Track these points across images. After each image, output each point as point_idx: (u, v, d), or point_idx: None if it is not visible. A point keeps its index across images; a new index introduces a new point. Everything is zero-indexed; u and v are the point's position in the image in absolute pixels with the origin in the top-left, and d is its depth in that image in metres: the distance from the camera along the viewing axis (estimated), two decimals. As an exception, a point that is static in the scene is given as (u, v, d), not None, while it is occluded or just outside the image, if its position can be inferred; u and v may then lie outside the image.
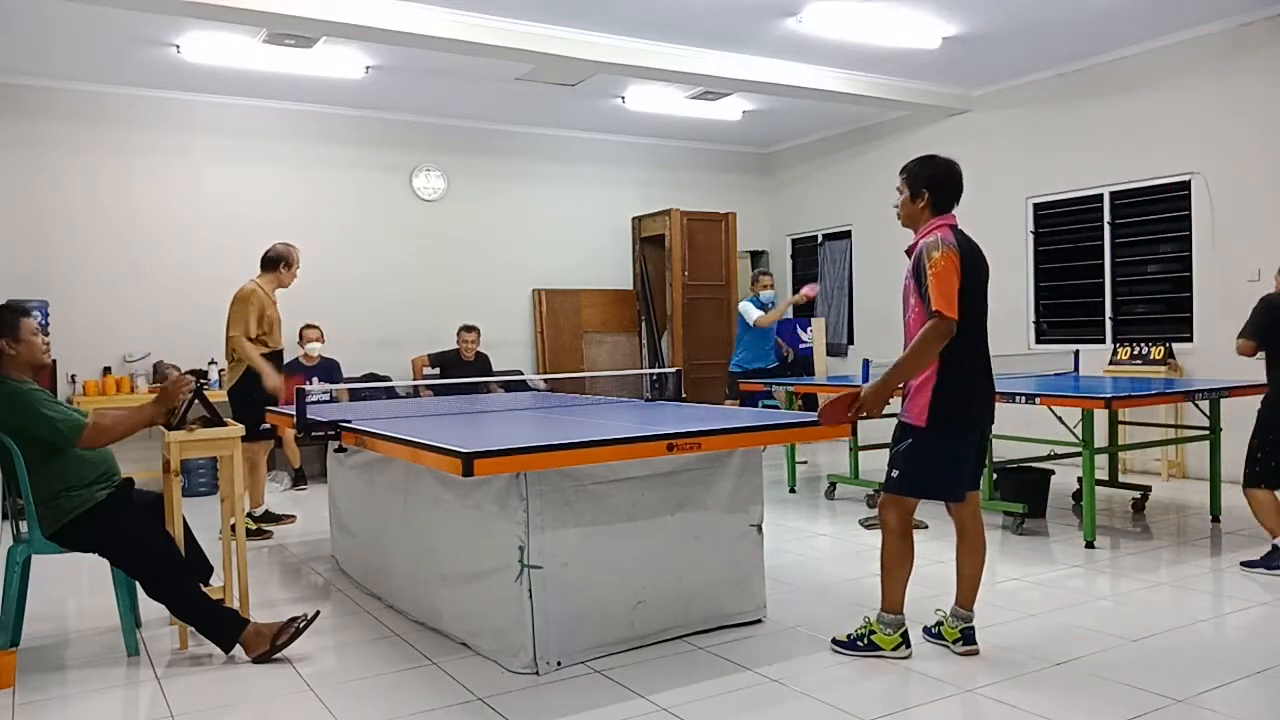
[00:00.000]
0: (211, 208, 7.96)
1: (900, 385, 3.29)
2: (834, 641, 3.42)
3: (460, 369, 7.96)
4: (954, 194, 3.31)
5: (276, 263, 5.83)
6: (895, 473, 3.29)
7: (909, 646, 3.34)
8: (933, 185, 3.29)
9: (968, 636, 3.37)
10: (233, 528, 3.81)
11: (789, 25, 6.53)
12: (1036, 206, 8.09)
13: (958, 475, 3.31)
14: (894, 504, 3.32)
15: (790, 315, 10.51)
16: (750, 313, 7.72)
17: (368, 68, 7.28)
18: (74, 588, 4.70)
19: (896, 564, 3.33)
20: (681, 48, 7.02)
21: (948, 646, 3.40)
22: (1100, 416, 5.36)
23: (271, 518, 5.98)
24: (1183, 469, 7.00)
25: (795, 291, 10.64)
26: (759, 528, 3.81)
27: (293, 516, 6.16)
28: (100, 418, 3.58)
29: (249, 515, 5.81)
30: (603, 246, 9.84)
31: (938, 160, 3.35)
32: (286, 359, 6.05)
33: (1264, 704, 2.93)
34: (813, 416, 3.59)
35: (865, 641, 3.34)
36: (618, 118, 9.11)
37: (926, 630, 3.53)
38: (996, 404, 5.15)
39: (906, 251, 3.34)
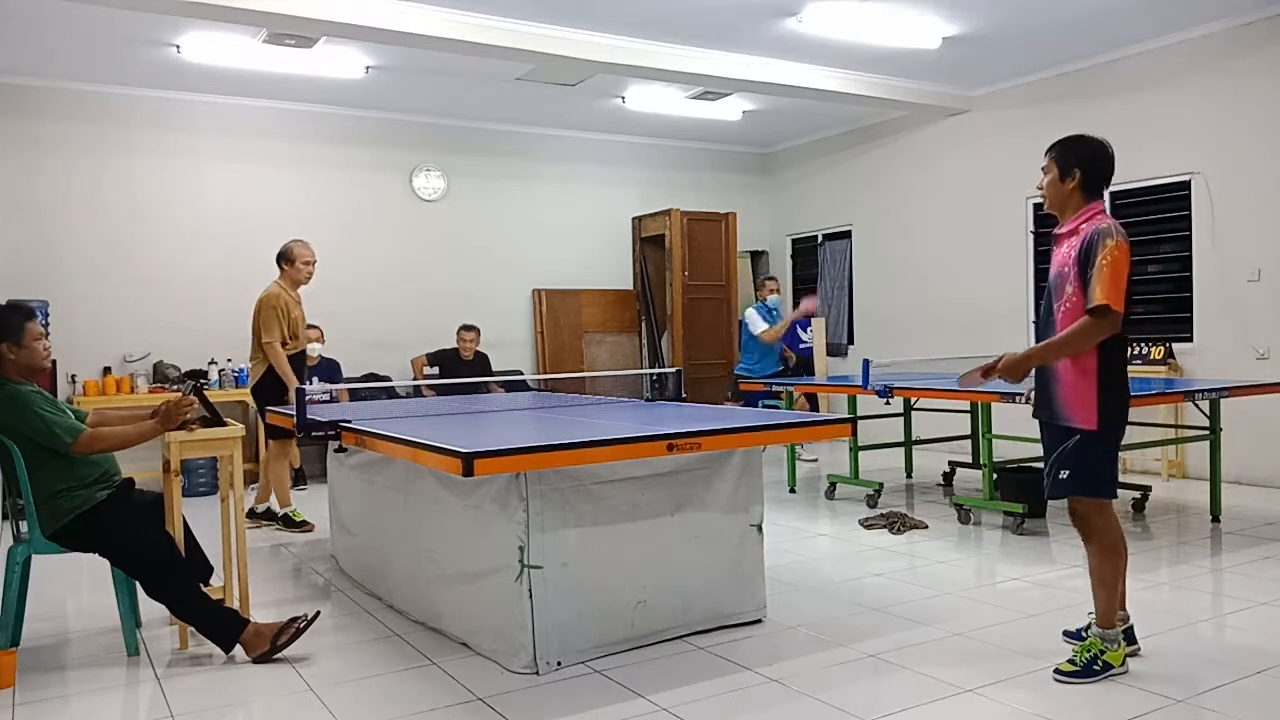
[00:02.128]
0: (212, 208, 7.96)
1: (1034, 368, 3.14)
2: (1059, 672, 3.11)
3: (459, 368, 7.96)
4: (1105, 176, 3.15)
5: (280, 261, 5.93)
6: (1065, 473, 3.11)
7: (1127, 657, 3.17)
8: (1085, 165, 3.11)
9: (1129, 636, 3.27)
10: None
11: (789, 25, 6.53)
12: (1036, 206, 8.08)
13: (1117, 472, 3.21)
14: (1095, 509, 3.14)
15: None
16: (756, 324, 7.80)
17: (368, 68, 7.28)
18: (74, 588, 4.70)
19: (1116, 576, 3.14)
20: (681, 48, 7.02)
21: None
22: (1100, 416, 5.35)
23: (291, 522, 5.92)
24: (1183, 469, 7.01)
25: (795, 293, 10.68)
26: (759, 528, 3.81)
27: (311, 525, 5.90)
28: (97, 430, 3.57)
29: (276, 513, 5.91)
30: (603, 246, 9.84)
31: (1090, 140, 3.17)
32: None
33: (1264, 704, 2.93)
34: (813, 416, 3.59)
35: (1100, 664, 3.10)
36: (618, 118, 9.11)
37: (1075, 634, 3.40)
38: (997, 404, 5.22)
39: (1055, 238, 3.18)
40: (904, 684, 3.14)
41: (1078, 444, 3.10)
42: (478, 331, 8.15)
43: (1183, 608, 3.98)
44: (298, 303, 5.93)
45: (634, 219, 9.96)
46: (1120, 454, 7.01)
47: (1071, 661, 3.14)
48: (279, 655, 3.48)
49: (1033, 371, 3.20)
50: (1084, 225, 3.09)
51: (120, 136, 7.64)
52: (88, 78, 7.37)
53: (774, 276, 8.04)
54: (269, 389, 5.70)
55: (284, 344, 5.72)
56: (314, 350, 7.45)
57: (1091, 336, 2.98)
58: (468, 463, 2.85)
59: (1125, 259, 2.98)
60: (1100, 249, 2.97)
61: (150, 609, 3.78)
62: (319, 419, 4.14)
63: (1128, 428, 3.22)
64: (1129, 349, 3.25)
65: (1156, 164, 7.15)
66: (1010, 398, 5.03)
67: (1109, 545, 3.15)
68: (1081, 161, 3.13)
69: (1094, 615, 3.35)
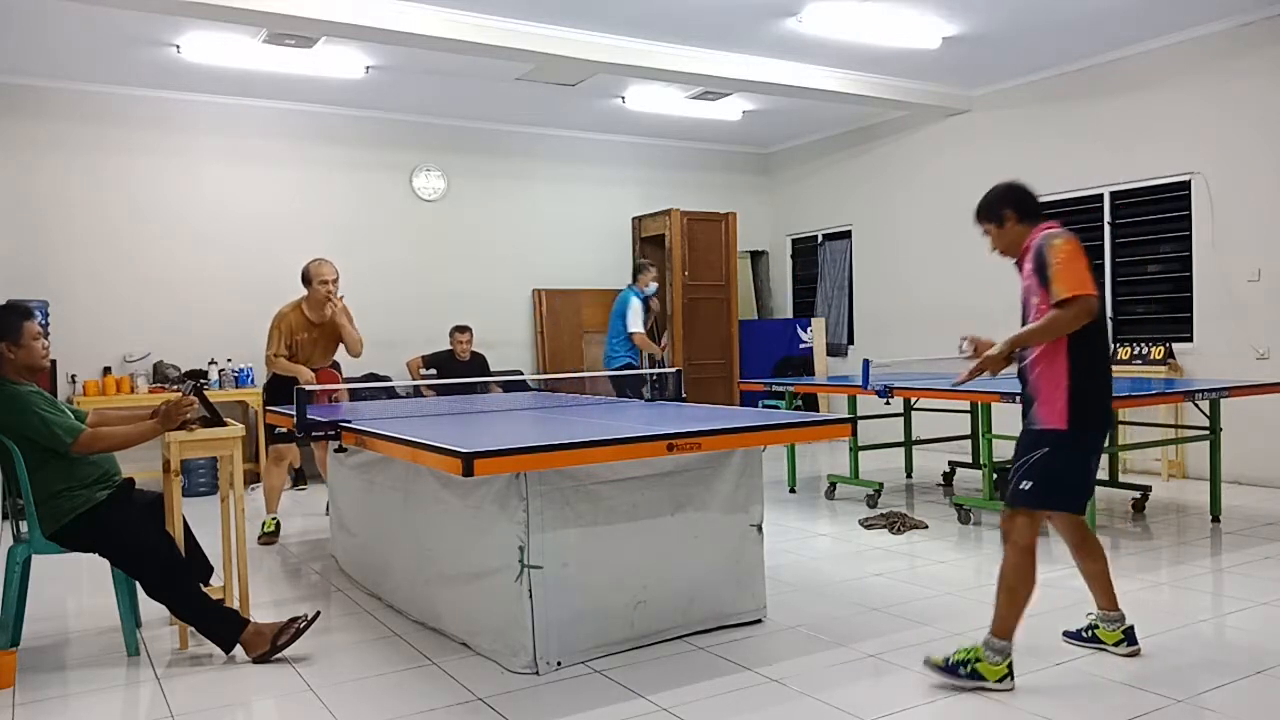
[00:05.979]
0: (211, 208, 7.96)
1: (1018, 356, 3.20)
2: (927, 663, 3.14)
3: (456, 369, 7.93)
4: (1032, 201, 3.24)
5: (301, 282, 5.83)
6: (1027, 484, 3.09)
7: (1013, 679, 3.06)
8: (1010, 205, 3.24)
9: (1130, 636, 3.30)
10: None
11: (789, 25, 6.53)
12: (1036, 206, 8.08)
13: (1089, 484, 3.21)
14: (1026, 517, 3.10)
15: (790, 315, 10.56)
16: (632, 319, 7.50)
17: (368, 68, 7.28)
18: (74, 588, 4.70)
19: (1021, 583, 3.07)
20: (681, 48, 7.02)
21: (1108, 650, 3.30)
22: (1100, 416, 5.35)
23: (263, 531, 5.84)
24: (1183, 469, 7.00)
25: (795, 292, 10.69)
26: (759, 528, 3.81)
27: (274, 542, 5.73)
28: (97, 430, 3.57)
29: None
30: (603, 246, 9.83)
31: (999, 186, 3.30)
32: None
33: (1264, 704, 2.93)
34: (813, 416, 3.59)
35: (968, 669, 3.05)
36: (618, 118, 9.11)
37: (1075, 634, 3.43)
38: (997, 404, 5.21)
39: (1017, 264, 3.26)
40: (904, 684, 3.14)
41: (1046, 455, 3.08)
42: (471, 332, 8.12)
43: (1183, 608, 3.98)
44: (313, 325, 5.80)
45: (634, 219, 9.96)
46: (1120, 454, 7.02)
47: (947, 657, 3.10)
48: (279, 655, 3.48)
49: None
50: (1032, 242, 3.16)
51: (120, 136, 7.64)
52: (88, 78, 7.37)
53: (654, 265, 7.87)
54: (280, 390, 5.70)
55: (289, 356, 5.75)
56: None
57: (1062, 325, 3.01)
58: (468, 463, 2.85)
59: (1076, 251, 3.04)
60: (1049, 251, 3.05)
61: (150, 609, 3.78)
62: (319, 419, 4.14)
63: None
64: (1110, 349, 3.26)
65: (1156, 164, 7.14)
66: (1011, 398, 5.03)
67: (1025, 553, 3.08)
68: (1006, 205, 3.24)
69: (1091, 616, 3.36)
